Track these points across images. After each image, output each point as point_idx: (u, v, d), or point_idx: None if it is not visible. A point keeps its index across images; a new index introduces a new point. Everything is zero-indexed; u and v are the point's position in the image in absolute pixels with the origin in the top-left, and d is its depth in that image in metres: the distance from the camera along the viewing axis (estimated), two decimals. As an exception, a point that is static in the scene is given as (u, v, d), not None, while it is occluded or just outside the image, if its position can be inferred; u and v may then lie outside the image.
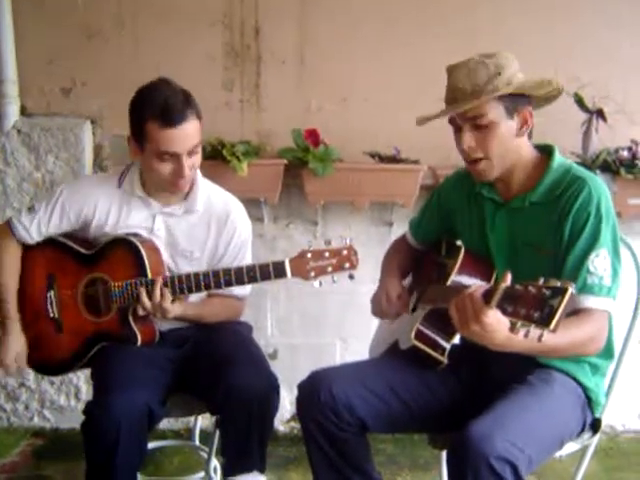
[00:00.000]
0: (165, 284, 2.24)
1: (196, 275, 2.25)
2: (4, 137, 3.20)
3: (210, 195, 2.43)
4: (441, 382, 2.08)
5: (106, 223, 2.39)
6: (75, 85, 3.21)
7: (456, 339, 2.03)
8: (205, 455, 2.70)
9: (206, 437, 2.77)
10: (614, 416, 3.31)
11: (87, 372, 2.46)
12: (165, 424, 3.21)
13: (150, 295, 2.23)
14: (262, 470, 2.25)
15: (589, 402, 2.03)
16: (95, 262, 2.35)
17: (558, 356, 1.93)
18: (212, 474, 2.58)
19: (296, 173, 3.06)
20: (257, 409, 2.16)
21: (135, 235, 2.35)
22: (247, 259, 2.47)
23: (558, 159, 2.02)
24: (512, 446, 1.71)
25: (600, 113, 3.00)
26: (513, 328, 1.55)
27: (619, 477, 3.04)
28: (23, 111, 3.22)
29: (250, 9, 3.16)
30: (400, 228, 2.57)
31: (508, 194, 2.06)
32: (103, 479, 2.14)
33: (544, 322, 1.48)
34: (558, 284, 1.49)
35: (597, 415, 2.07)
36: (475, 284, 1.74)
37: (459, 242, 2.22)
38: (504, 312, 1.59)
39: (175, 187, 2.30)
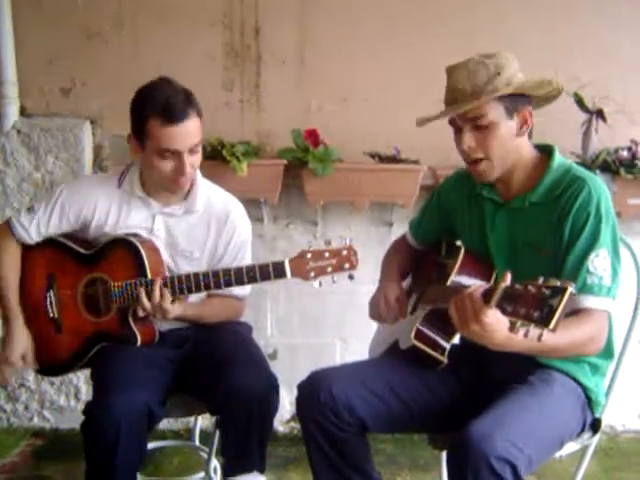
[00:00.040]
0: (165, 284, 2.24)
1: (196, 275, 2.24)
2: (4, 137, 3.20)
3: (210, 195, 2.43)
4: (441, 382, 2.08)
5: (106, 223, 2.39)
6: (75, 85, 3.21)
7: (456, 339, 2.03)
8: (205, 455, 2.70)
9: (206, 437, 2.77)
10: (614, 416, 3.31)
11: (87, 372, 2.46)
12: (165, 424, 3.21)
13: (150, 295, 2.23)
14: (262, 470, 2.25)
15: (589, 402, 2.03)
16: (95, 262, 2.35)
17: (558, 356, 1.93)
18: (212, 474, 2.58)
19: (296, 173, 3.06)
20: (257, 409, 2.16)
21: (135, 235, 2.35)
22: (247, 259, 2.47)
23: (558, 159, 2.02)
24: (512, 446, 1.71)
25: (600, 113, 3.00)
26: (513, 328, 1.55)
27: (619, 477, 3.03)
28: (23, 111, 3.22)
29: (250, 9, 3.16)
30: (400, 228, 2.57)
31: (508, 194, 2.06)
32: (103, 479, 2.14)
33: (544, 321, 1.48)
34: (558, 284, 1.49)
35: (597, 415, 2.07)
36: (475, 284, 1.74)
37: (459, 242, 2.22)
38: (504, 312, 1.59)
39: (176, 185, 2.30)
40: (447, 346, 2.03)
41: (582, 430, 2.03)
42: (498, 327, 1.64)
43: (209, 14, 3.16)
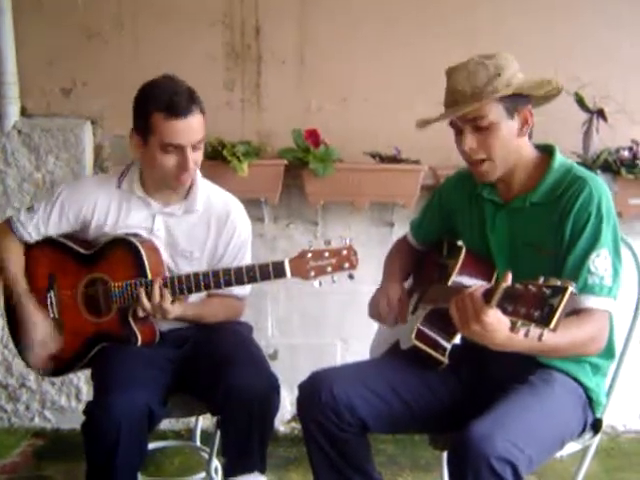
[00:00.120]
0: (165, 284, 2.24)
1: (196, 275, 2.24)
2: (4, 137, 3.20)
3: (210, 195, 2.44)
4: (442, 382, 2.08)
5: (105, 223, 2.39)
6: (75, 86, 3.20)
7: (457, 339, 2.03)
8: (206, 456, 2.70)
9: (207, 438, 2.77)
10: (615, 416, 3.30)
11: (88, 373, 2.46)
12: (166, 424, 3.21)
13: (149, 296, 2.23)
14: (263, 470, 2.25)
15: (590, 402, 2.03)
16: (95, 262, 2.36)
17: (559, 356, 1.93)
18: (213, 475, 2.59)
19: (296, 173, 3.05)
20: (257, 409, 2.16)
21: (135, 235, 2.35)
22: (247, 259, 2.47)
23: (559, 159, 2.02)
24: (513, 446, 1.71)
25: (601, 113, 2.99)
26: (513, 327, 1.55)
27: (620, 477, 3.03)
28: (23, 112, 3.22)
29: (250, 9, 3.16)
30: (401, 228, 2.57)
31: (509, 194, 2.06)
32: (104, 479, 2.14)
33: (544, 321, 1.48)
34: (558, 283, 1.49)
35: (598, 415, 2.07)
36: (476, 284, 1.74)
37: (460, 242, 2.22)
38: (504, 311, 1.59)
39: (178, 181, 2.30)
40: (448, 346, 2.03)
41: (583, 430, 2.03)
42: (499, 327, 1.64)
43: (209, 14, 3.16)
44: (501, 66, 1.94)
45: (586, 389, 2.01)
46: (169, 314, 2.25)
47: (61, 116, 3.22)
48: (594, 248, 1.89)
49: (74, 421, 3.13)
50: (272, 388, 2.21)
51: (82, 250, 2.38)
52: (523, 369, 1.97)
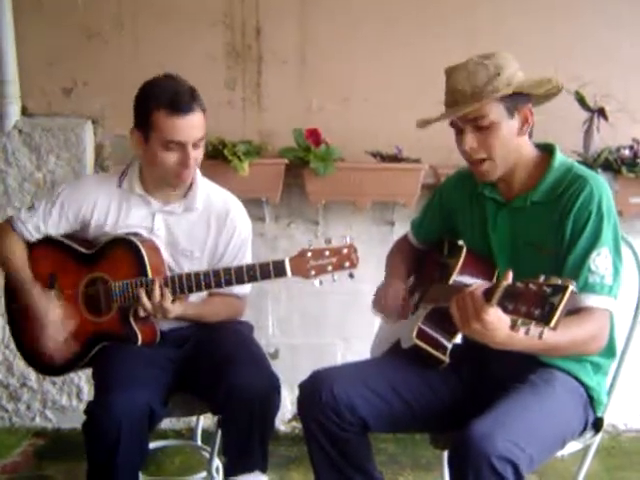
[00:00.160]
0: (165, 284, 2.24)
1: (196, 274, 2.25)
2: (5, 137, 3.21)
3: (209, 194, 2.44)
4: (443, 381, 2.08)
5: (105, 223, 2.39)
6: (76, 85, 3.21)
7: (458, 338, 2.03)
8: (207, 455, 2.70)
9: (208, 437, 2.77)
10: (616, 415, 3.30)
11: (88, 372, 2.46)
12: (167, 424, 3.22)
13: (150, 295, 2.23)
14: (264, 470, 2.25)
15: (591, 401, 2.03)
16: (95, 262, 2.36)
17: (559, 355, 1.93)
18: (214, 474, 2.58)
19: (297, 173, 3.05)
20: (258, 409, 2.16)
21: (135, 235, 2.35)
22: (247, 258, 2.48)
23: (559, 158, 2.02)
24: (513, 445, 1.71)
25: (601, 112, 2.99)
26: (514, 326, 1.56)
27: (621, 476, 3.03)
28: (24, 111, 3.22)
29: (251, 9, 3.16)
30: (402, 228, 2.57)
31: (510, 193, 2.06)
32: (104, 479, 2.14)
33: (545, 319, 1.48)
34: (559, 282, 1.50)
35: (599, 414, 2.07)
36: (477, 283, 1.74)
37: (461, 242, 2.22)
38: (505, 310, 1.59)
39: (178, 179, 2.30)
40: (449, 345, 2.03)
41: (584, 429, 2.03)
42: (499, 325, 1.64)
43: (210, 14, 3.16)
44: (501, 65, 1.94)
45: (587, 388, 2.01)
46: (170, 313, 2.25)
47: (62, 116, 3.22)
48: (595, 247, 1.89)
49: (75, 421, 3.13)
50: (273, 387, 2.21)
51: (83, 249, 2.38)
52: (524, 368, 1.97)
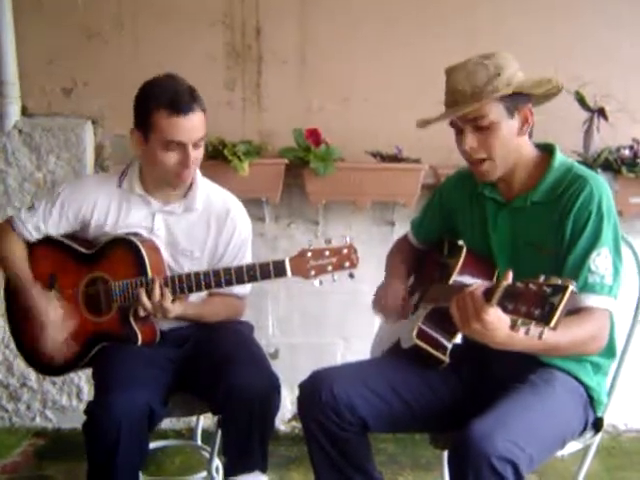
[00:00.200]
0: (165, 284, 2.24)
1: (196, 274, 2.25)
2: (5, 137, 3.21)
3: (209, 194, 2.44)
4: (443, 381, 2.08)
5: (105, 223, 2.39)
6: (76, 85, 3.21)
7: (458, 338, 2.03)
8: (207, 455, 2.70)
9: (208, 437, 2.77)
10: (616, 415, 3.30)
11: (89, 372, 2.46)
12: (167, 424, 3.22)
13: (150, 295, 2.23)
14: (264, 470, 2.25)
15: (591, 401, 2.03)
16: (95, 261, 2.36)
17: (560, 355, 1.93)
18: (214, 474, 2.58)
19: (297, 173, 3.06)
20: (258, 409, 2.16)
21: (135, 235, 2.35)
22: (247, 258, 2.48)
23: (559, 158, 2.02)
24: (513, 445, 1.71)
25: (601, 112, 2.99)
26: (514, 326, 1.56)
27: (621, 476, 3.03)
28: (24, 111, 3.23)
29: (251, 9, 3.16)
30: (402, 228, 2.57)
31: (510, 193, 2.06)
32: (105, 479, 2.14)
33: (544, 319, 1.48)
34: (559, 282, 1.50)
35: (599, 414, 2.07)
36: (476, 283, 1.74)
37: (461, 242, 2.22)
38: (505, 310, 1.59)
39: (179, 179, 2.30)
40: (449, 345, 2.03)
41: (584, 429, 2.03)
42: (499, 325, 1.64)
43: (210, 14, 3.16)
44: (501, 65, 1.94)
45: (587, 388, 2.01)
46: (170, 313, 2.25)
47: (62, 116, 3.22)
48: (595, 247, 1.89)
49: (75, 421, 3.14)
50: (273, 387, 2.21)
51: (83, 249, 2.38)
52: (524, 368, 1.97)
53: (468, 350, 2.00)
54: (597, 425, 2.08)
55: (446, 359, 2.04)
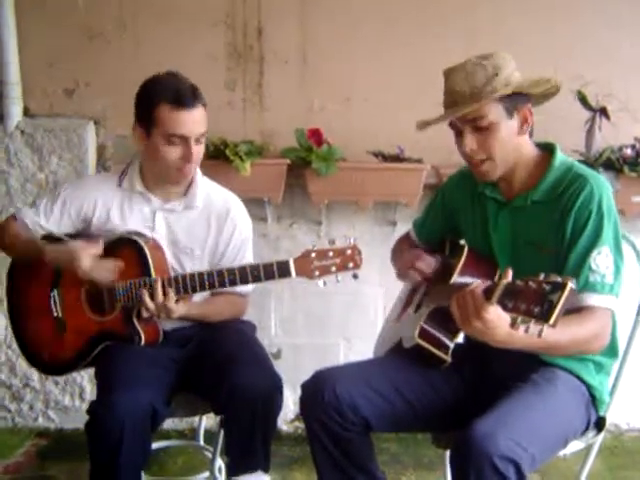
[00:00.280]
0: (169, 284, 2.25)
1: (200, 274, 2.25)
2: (7, 138, 3.21)
3: (210, 192, 2.45)
4: (445, 381, 2.08)
5: (107, 221, 2.40)
6: (78, 86, 3.21)
7: (460, 338, 2.03)
8: (209, 455, 2.70)
9: (210, 437, 2.77)
10: (619, 414, 3.30)
11: (91, 372, 2.46)
12: (169, 424, 3.22)
13: (153, 295, 2.24)
14: (266, 469, 2.26)
15: (593, 400, 2.03)
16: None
17: (561, 354, 1.93)
18: (217, 474, 2.58)
19: (299, 173, 3.06)
20: (261, 409, 2.16)
21: (138, 234, 2.36)
22: (247, 258, 2.48)
23: (560, 157, 2.02)
24: (516, 445, 1.71)
25: (603, 111, 2.99)
26: (514, 324, 1.56)
27: (623, 476, 3.03)
28: (26, 112, 3.23)
29: (253, 9, 3.17)
30: (404, 227, 2.57)
31: (510, 193, 2.06)
32: (107, 479, 2.15)
33: (544, 317, 1.48)
34: (558, 279, 1.50)
35: (601, 413, 2.07)
36: (477, 282, 1.74)
37: (462, 241, 2.22)
38: (505, 308, 1.59)
39: (180, 173, 2.31)
40: (451, 345, 2.03)
41: (586, 428, 2.03)
42: (499, 323, 1.64)
43: (211, 14, 3.16)
44: (499, 66, 1.94)
45: (589, 387, 2.01)
46: (173, 313, 2.25)
47: (64, 116, 3.23)
48: (595, 246, 1.89)
49: (78, 421, 3.13)
50: (275, 388, 2.21)
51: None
52: (526, 367, 1.97)
53: (470, 349, 2.00)
54: (599, 424, 2.08)
55: (448, 358, 2.04)
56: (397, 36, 3.14)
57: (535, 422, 1.81)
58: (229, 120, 3.14)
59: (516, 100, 1.95)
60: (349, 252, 2.16)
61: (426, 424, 2.12)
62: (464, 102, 1.93)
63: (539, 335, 1.50)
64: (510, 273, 1.62)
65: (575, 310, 1.84)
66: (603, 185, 1.94)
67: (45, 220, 2.42)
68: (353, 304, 3.22)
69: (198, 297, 2.41)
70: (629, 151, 3.00)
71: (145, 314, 2.28)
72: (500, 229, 2.08)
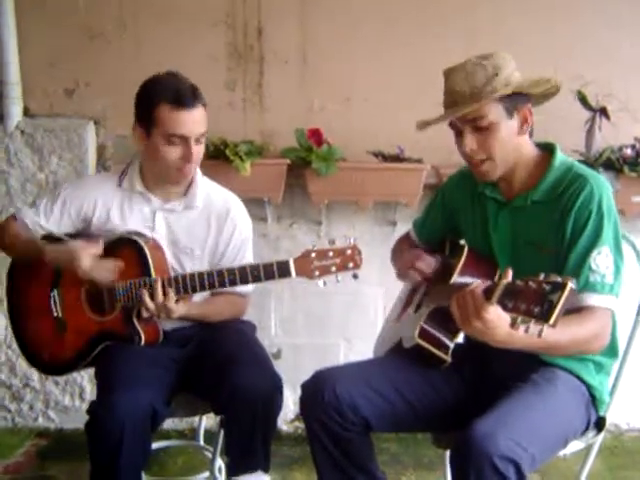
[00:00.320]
0: (169, 284, 2.25)
1: (200, 275, 2.25)
2: (8, 138, 3.21)
3: (210, 192, 2.45)
4: (445, 381, 2.09)
5: (107, 221, 2.40)
6: (78, 86, 3.21)
7: (460, 338, 2.03)
8: (209, 455, 2.70)
9: (210, 437, 2.77)
10: (618, 414, 3.30)
11: (91, 372, 2.46)
12: (169, 424, 3.22)
13: (152, 296, 2.24)
14: (266, 469, 2.26)
15: (593, 400, 2.03)
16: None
17: (561, 354, 1.93)
18: (217, 474, 2.59)
19: (299, 173, 3.06)
20: (261, 409, 2.16)
21: (138, 234, 2.36)
22: (248, 258, 2.48)
23: (560, 157, 2.02)
24: (516, 445, 1.71)
25: (603, 111, 2.99)
26: (514, 324, 1.56)
27: (623, 476, 3.03)
28: (26, 112, 3.23)
29: (253, 9, 3.17)
30: (404, 228, 2.57)
31: (510, 193, 2.06)
32: (107, 479, 2.15)
33: (544, 317, 1.48)
34: (558, 279, 1.50)
35: (601, 413, 2.07)
36: (477, 282, 1.74)
37: (462, 241, 2.22)
38: (505, 308, 1.59)
39: (181, 173, 2.31)
40: (451, 345, 2.03)
41: (586, 428, 2.03)
42: (499, 323, 1.64)
43: (211, 15, 3.16)
44: (499, 66, 1.94)
45: (589, 387, 2.01)
46: (173, 314, 2.25)
47: (64, 116, 3.23)
48: (595, 246, 1.89)
49: (78, 421, 3.12)
50: (275, 388, 2.21)
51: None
52: (526, 367, 1.97)
53: (470, 350, 2.00)
54: (599, 424, 2.08)
55: (448, 358, 2.04)
56: (397, 36, 3.14)
57: (535, 422, 1.81)
58: (229, 120, 3.14)
59: (516, 100, 1.95)
60: (349, 252, 2.16)
61: (426, 424, 2.12)
62: (464, 102, 1.93)
63: (539, 335, 1.50)
64: (510, 273, 1.62)
65: (575, 310, 1.84)
66: (603, 185, 1.94)
67: (45, 220, 2.42)
68: (353, 304, 3.22)
69: (198, 297, 2.41)
70: (629, 151, 3.00)
71: (145, 314, 2.28)
72: (500, 229, 2.08)
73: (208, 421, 3.00)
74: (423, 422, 2.10)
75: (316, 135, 3.01)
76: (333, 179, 3.00)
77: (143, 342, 2.32)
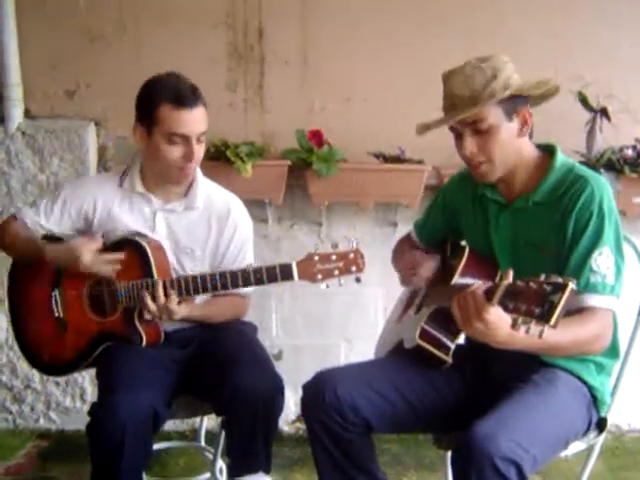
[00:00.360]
0: (171, 285, 2.25)
1: (202, 276, 2.25)
2: (9, 139, 3.21)
3: (210, 193, 2.45)
4: (446, 382, 2.08)
5: (107, 222, 2.40)
6: (79, 87, 3.21)
7: (461, 339, 2.03)
8: (211, 456, 2.70)
9: (212, 438, 2.77)
10: (620, 415, 3.29)
11: (92, 373, 2.47)
12: (170, 425, 3.22)
13: (154, 297, 2.24)
14: (267, 470, 2.26)
15: (594, 401, 2.03)
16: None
17: (562, 354, 1.93)
18: (218, 475, 2.59)
19: (300, 174, 3.06)
20: (262, 410, 2.16)
21: (140, 235, 2.36)
22: (248, 259, 2.48)
23: (560, 158, 2.02)
24: (517, 446, 1.71)
25: (604, 112, 2.99)
26: (514, 325, 1.56)
27: (625, 476, 3.03)
28: (27, 113, 3.23)
29: (253, 10, 3.17)
30: (405, 228, 2.57)
31: (511, 194, 2.06)
32: (108, 480, 2.15)
33: (544, 318, 1.48)
34: (559, 280, 1.50)
35: (603, 414, 2.07)
36: (477, 283, 1.74)
37: (463, 242, 2.22)
38: (505, 309, 1.59)
39: (182, 172, 2.32)
40: (452, 346, 2.03)
41: (588, 429, 2.03)
42: (500, 324, 1.64)
43: (212, 16, 3.16)
44: (498, 68, 1.93)
45: (590, 388, 2.01)
46: (175, 315, 2.25)
47: (65, 118, 3.23)
48: (596, 246, 1.89)
49: (79, 422, 3.13)
50: (276, 389, 2.21)
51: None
52: (527, 368, 1.97)
53: (471, 351, 2.00)
54: (601, 425, 2.08)
55: (449, 359, 2.04)
56: (397, 36, 3.14)
57: (536, 423, 1.81)
58: (230, 121, 3.14)
59: (515, 102, 1.95)
60: (352, 256, 2.16)
61: (427, 425, 2.12)
62: (463, 106, 1.93)
63: (540, 336, 1.50)
64: (511, 274, 1.62)
65: (576, 311, 1.84)
66: (604, 186, 1.94)
67: (45, 220, 2.42)
68: (354, 305, 3.22)
69: (200, 298, 2.41)
70: (630, 152, 3.00)
71: (147, 316, 2.28)
72: (501, 230, 2.08)
73: (209, 422, 3.00)
74: (424, 423, 2.10)
75: (317, 136, 3.01)
76: (334, 180, 3.00)
77: (144, 343, 2.32)
